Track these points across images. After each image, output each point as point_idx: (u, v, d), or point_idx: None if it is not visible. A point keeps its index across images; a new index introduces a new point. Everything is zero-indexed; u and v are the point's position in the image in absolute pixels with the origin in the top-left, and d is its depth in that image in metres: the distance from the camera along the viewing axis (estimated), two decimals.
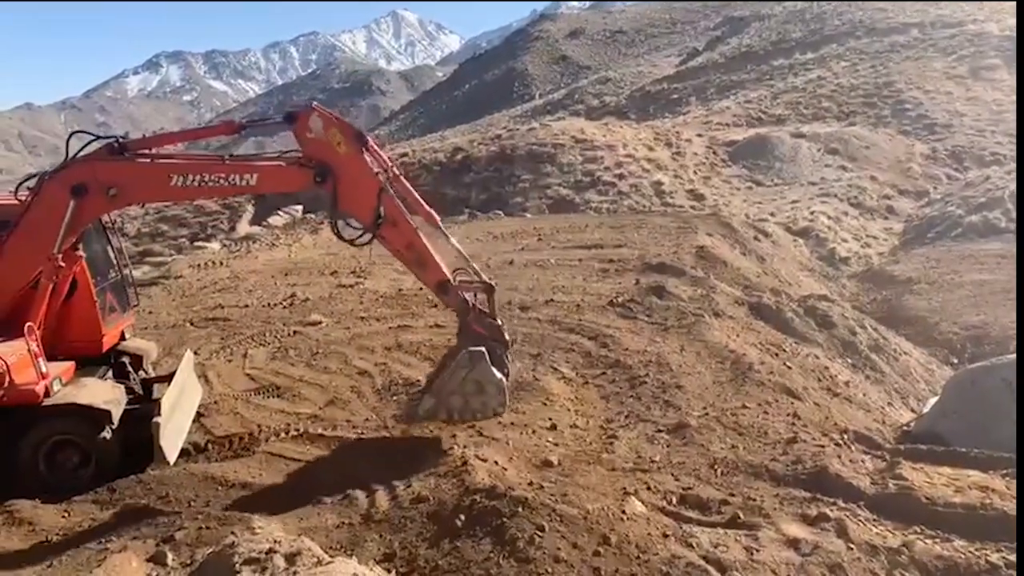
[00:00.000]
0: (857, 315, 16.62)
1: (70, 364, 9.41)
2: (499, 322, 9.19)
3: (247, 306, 16.35)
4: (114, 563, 6.95)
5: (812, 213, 29.08)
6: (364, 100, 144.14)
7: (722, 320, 13.71)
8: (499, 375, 8.97)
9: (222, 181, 8.75)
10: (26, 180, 9.25)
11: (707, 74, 62.25)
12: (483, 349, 8.87)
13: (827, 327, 15.13)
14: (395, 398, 10.92)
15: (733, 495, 7.81)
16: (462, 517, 7.37)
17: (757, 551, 6.78)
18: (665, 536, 7.03)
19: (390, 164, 9.05)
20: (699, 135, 40.15)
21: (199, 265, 21.50)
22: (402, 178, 9.17)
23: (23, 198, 9.04)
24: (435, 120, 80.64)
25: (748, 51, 65.07)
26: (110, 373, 10.00)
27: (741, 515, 7.37)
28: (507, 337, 9.29)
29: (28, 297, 8.96)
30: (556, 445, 9.31)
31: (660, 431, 9.46)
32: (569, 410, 10.39)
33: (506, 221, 26.90)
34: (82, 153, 8.89)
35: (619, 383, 11.16)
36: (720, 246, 20.13)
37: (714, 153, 37.07)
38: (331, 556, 6.58)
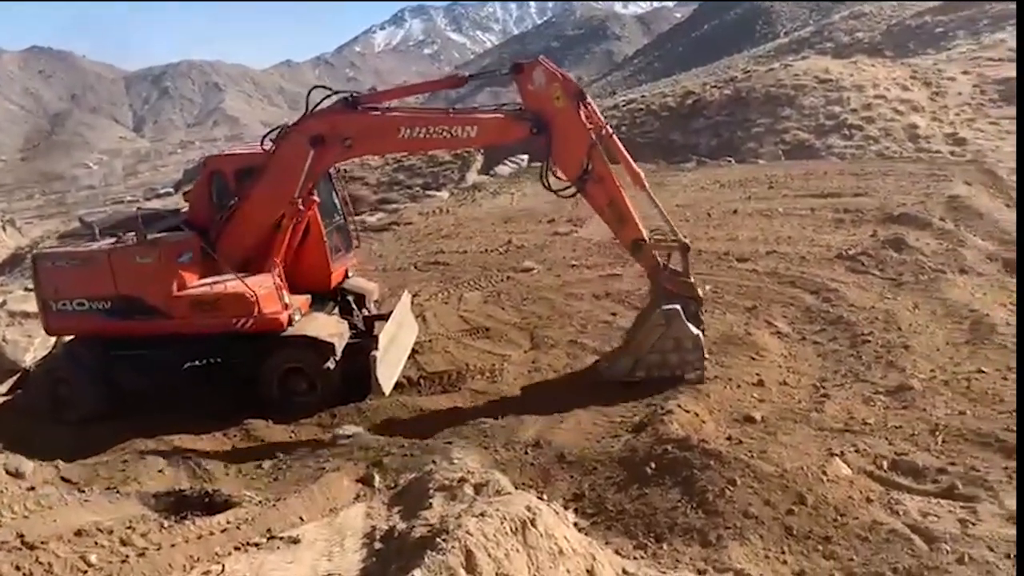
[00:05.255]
0: None
1: (306, 297, 10.37)
2: (692, 279, 9.39)
3: (466, 252, 17.06)
4: (329, 480, 7.63)
5: None
6: (599, 46, 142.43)
7: (968, 277, 12.35)
8: (695, 331, 9.15)
9: (445, 133, 9.41)
10: (271, 132, 10.16)
11: (980, 4, 55.23)
12: (678, 307, 9.11)
13: None
14: (595, 344, 10.98)
15: (954, 464, 7.13)
16: (652, 465, 7.33)
17: (973, 524, 6.17)
18: (868, 501, 6.58)
19: (604, 123, 9.38)
20: (965, 72, 35.84)
21: (427, 212, 22.66)
22: (615, 137, 9.44)
23: (267, 148, 10.00)
24: (670, 64, 78.15)
25: None
26: (336, 309, 10.85)
27: (960, 486, 6.73)
28: (700, 293, 9.46)
29: (267, 238, 9.94)
30: (761, 401, 8.99)
31: (878, 392, 8.81)
32: (780, 366, 9.93)
33: (736, 168, 25.71)
34: (320, 107, 9.72)
35: (839, 340, 10.48)
36: (978, 196, 17.97)
37: (981, 92, 32.93)
38: (523, 491, 6.78)
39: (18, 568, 5.79)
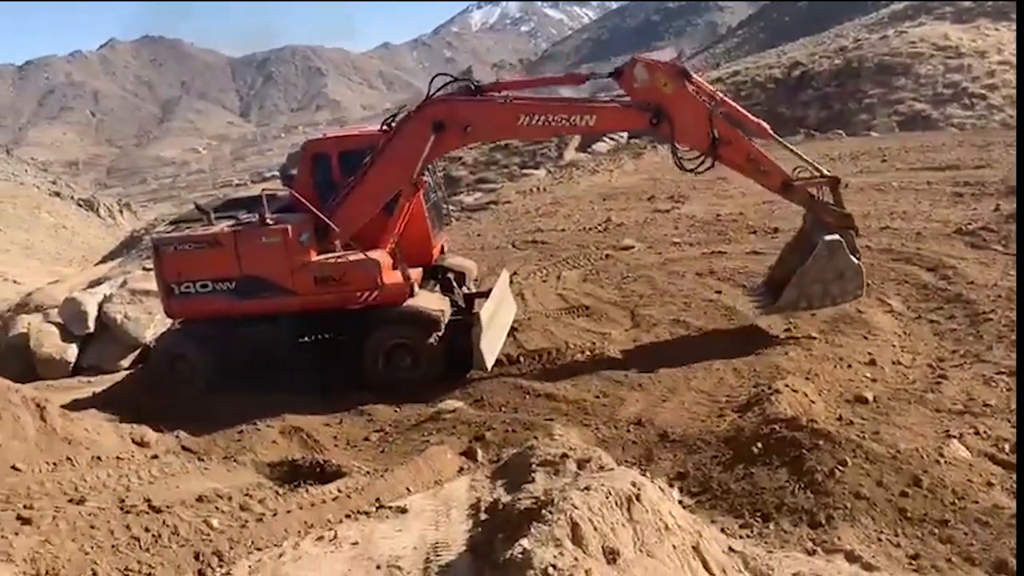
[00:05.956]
0: None
1: (419, 270, 10.63)
2: (846, 210, 9.77)
3: (564, 230, 17.00)
4: (433, 453, 7.80)
5: None
6: (701, 17, 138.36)
7: None
8: (856, 260, 9.56)
9: (564, 121, 9.85)
10: (394, 116, 10.47)
11: None
12: (839, 238, 9.42)
13: None
14: (699, 323, 10.82)
15: None
16: (759, 445, 7.18)
17: None
18: (989, 484, 6.29)
19: (713, 90, 9.85)
20: None
21: (525, 191, 22.70)
22: (727, 99, 9.93)
23: (385, 130, 10.27)
24: (775, 34, 75.12)
25: None
26: (437, 288, 11.02)
27: None
28: (855, 223, 9.84)
29: (379, 217, 10.16)
30: (873, 381, 8.70)
31: (1000, 373, 8.38)
32: (894, 346, 9.57)
33: (847, 141, 24.80)
34: (439, 93, 10.07)
35: (958, 319, 10.01)
36: None
37: None
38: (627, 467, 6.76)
39: (147, 529, 6.15)
